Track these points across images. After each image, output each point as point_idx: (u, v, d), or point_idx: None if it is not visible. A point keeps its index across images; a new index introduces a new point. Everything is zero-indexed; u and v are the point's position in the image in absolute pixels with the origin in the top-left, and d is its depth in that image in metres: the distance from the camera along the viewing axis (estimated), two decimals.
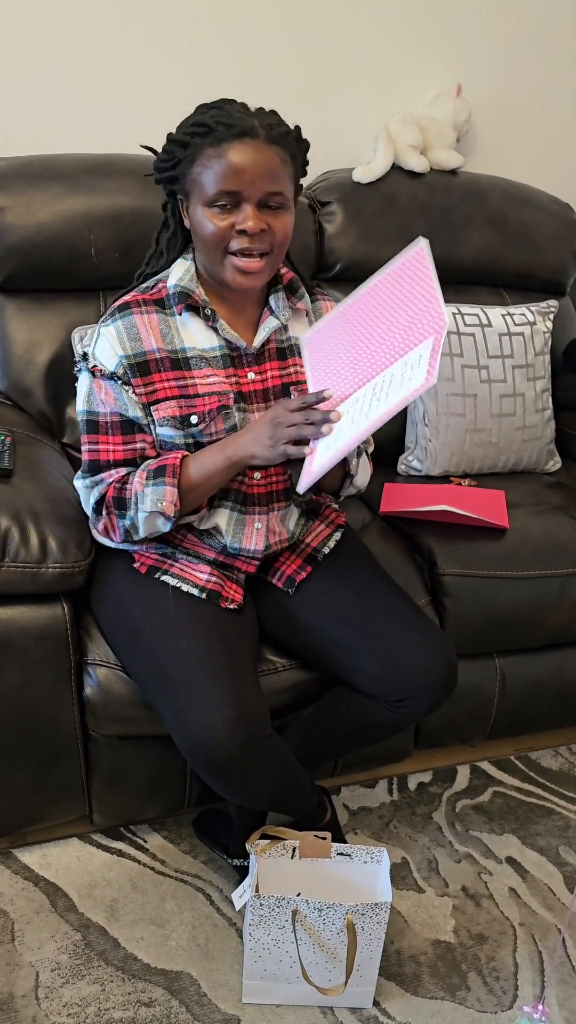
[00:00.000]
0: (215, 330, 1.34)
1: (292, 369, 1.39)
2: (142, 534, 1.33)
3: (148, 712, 1.43)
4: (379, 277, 1.21)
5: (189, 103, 1.98)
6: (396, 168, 2.05)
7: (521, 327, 2.00)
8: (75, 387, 1.74)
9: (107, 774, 1.53)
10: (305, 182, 2.05)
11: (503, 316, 1.99)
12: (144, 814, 1.63)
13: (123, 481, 1.32)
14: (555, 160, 2.38)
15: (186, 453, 1.32)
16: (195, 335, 1.34)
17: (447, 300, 2.02)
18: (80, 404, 1.36)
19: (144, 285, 1.38)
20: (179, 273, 1.35)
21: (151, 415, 1.33)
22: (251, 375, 1.36)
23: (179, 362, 1.32)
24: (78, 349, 1.72)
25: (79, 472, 1.37)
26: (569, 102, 2.34)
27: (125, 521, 1.32)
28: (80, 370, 1.35)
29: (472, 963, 1.46)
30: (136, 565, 1.41)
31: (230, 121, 1.22)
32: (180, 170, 1.27)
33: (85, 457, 1.35)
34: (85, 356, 1.35)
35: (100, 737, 1.49)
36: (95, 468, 1.34)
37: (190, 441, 1.34)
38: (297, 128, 1.29)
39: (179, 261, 1.37)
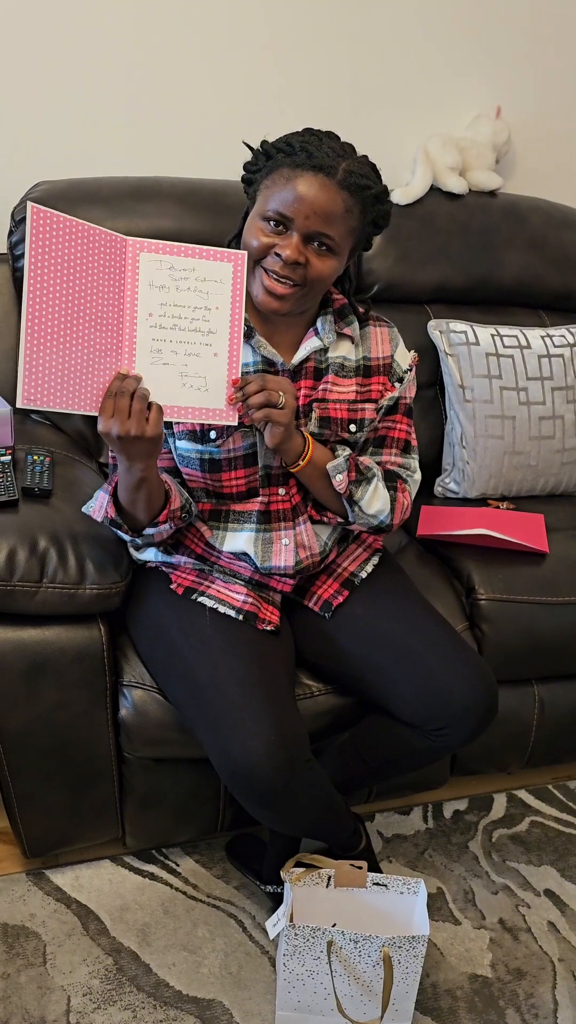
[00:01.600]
0: (251, 347, 1.34)
1: (321, 387, 1.38)
2: (125, 537, 1.33)
3: (183, 735, 1.43)
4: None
5: (227, 126, 2.01)
6: (435, 189, 2.05)
7: (561, 349, 1.98)
8: None
9: (141, 796, 1.52)
10: None
11: (542, 338, 1.97)
12: (177, 837, 1.62)
13: None
14: None
15: None
16: None
17: (486, 322, 2.01)
18: None
19: None
20: None
21: (171, 427, 1.34)
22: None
23: None
24: None
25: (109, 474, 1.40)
26: None
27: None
28: None
29: (510, 999, 1.43)
30: (173, 586, 1.41)
31: (315, 152, 1.23)
32: (258, 176, 1.30)
33: (111, 461, 1.38)
34: None
35: (134, 759, 1.49)
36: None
37: (206, 457, 1.34)
38: (383, 189, 1.29)
39: None
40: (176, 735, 1.43)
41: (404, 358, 1.46)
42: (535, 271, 2.09)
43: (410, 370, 1.46)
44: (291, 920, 1.28)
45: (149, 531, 1.31)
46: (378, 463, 1.44)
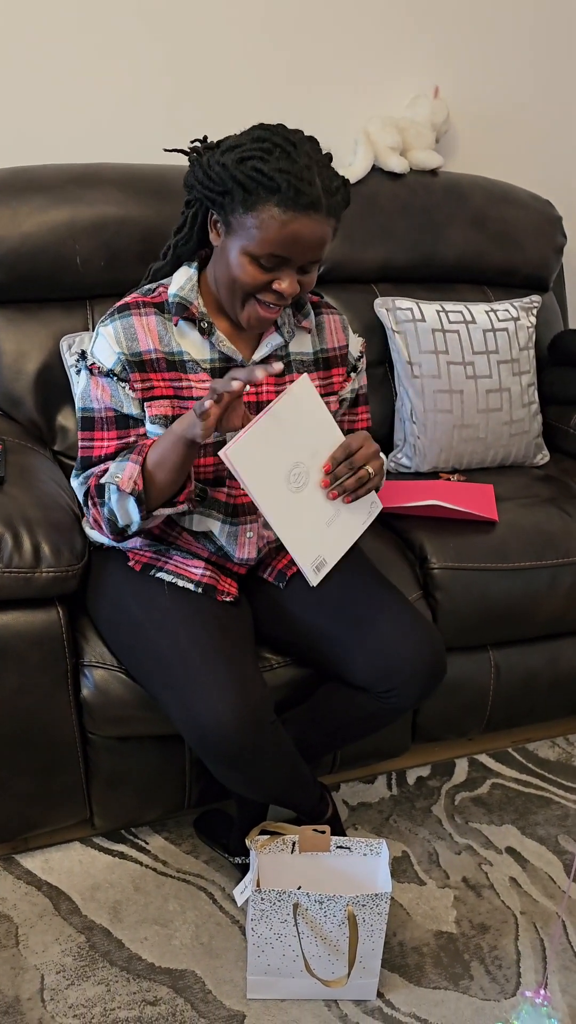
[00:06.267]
0: (211, 343, 1.35)
1: (288, 385, 1.36)
2: (121, 522, 1.30)
3: (146, 712, 1.45)
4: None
5: (171, 110, 2.02)
6: (376, 170, 2.08)
7: (505, 323, 2.02)
8: (65, 394, 1.78)
9: (107, 777, 1.54)
10: None
11: (487, 312, 2.01)
12: (145, 816, 1.64)
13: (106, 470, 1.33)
14: (534, 157, 2.41)
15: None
16: (192, 343, 1.34)
17: (431, 299, 2.05)
18: (78, 401, 1.37)
19: (146, 287, 1.38)
20: (180, 281, 1.35)
21: (145, 412, 1.34)
22: (246, 387, 1.35)
23: (175, 364, 1.34)
24: (67, 357, 1.73)
25: (73, 471, 1.38)
26: (545, 100, 2.37)
27: (104, 509, 1.30)
28: (79, 369, 1.36)
29: (475, 952, 1.47)
30: (131, 563, 1.42)
31: (299, 187, 1.18)
32: (228, 203, 1.23)
33: (79, 454, 1.37)
34: (83, 354, 1.36)
35: (99, 739, 1.50)
36: (87, 464, 1.36)
37: None
38: (342, 181, 1.27)
39: (183, 268, 1.37)
40: (139, 712, 1.45)
41: (356, 346, 1.48)
42: (477, 248, 2.13)
43: (361, 357, 1.48)
44: (257, 886, 1.31)
45: (163, 511, 1.30)
46: None
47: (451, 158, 2.30)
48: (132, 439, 1.34)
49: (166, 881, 1.56)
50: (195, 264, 1.36)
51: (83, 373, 1.36)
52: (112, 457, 1.34)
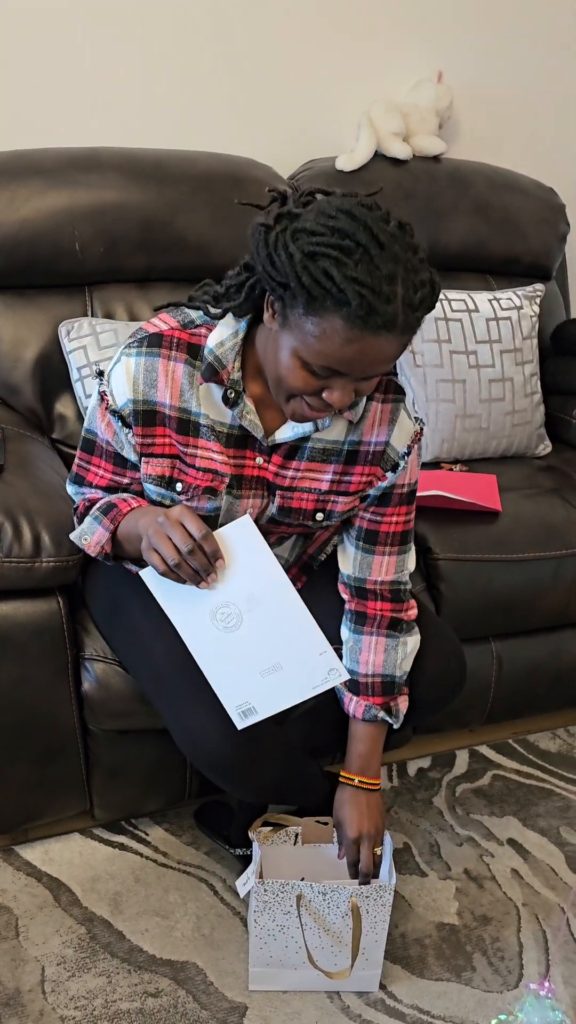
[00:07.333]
0: (234, 413, 1.21)
1: (291, 472, 1.25)
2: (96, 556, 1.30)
3: (147, 707, 1.43)
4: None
5: (171, 95, 1.99)
6: (379, 155, 2.06)
7: (508, 312, 2.00)
8: (64, 382, 1.76)
9: (107, 768, 1.53)
10: (288, 171, 2.06)
11: (490, 301, 2.00)
12: (145, 807, 1.63)
13: (95, 500, 1.29)
14: (538, 144, 2.38)
15: (140, 505, 1.24)
16: (214, 405, 1.20)
17: None
18: (86, 419, 1.30)
19: (190, 319, 1.20)
20: (222, 335, 1.17)
21: (140, 457, 1.25)
22: (259, 460, 1.24)
23: (187, 425, 1.21)
24: (65, 343, 1.71)
25: (68, 478, 1.35)
26: (550, 86, 2.34)
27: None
28: (99, 385, 1.29)
29: (477, 944, 1.47)
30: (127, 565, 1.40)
31: (373, 304, 0.99)
32: (289, 298, 1.04)
33: (74, 468, 1.32)
34: (101, 374, 1.26)
35: (99, 732, 1.49)
36: (79, 482, 1.32)
37: (167, 503, 1.26)
38: (435, 292, 1.05)
39: (230, 320, 1.18)
40: (140, 707, 1.44)
41: (402, 439, 1.26)
42: (480, 236, 2.11)
43: (408, 453, 1.27)
44: (260, 877, 1.30)
45: (134, 568, 1.28)
46: (368, 574, 1.34)
47: (454, 144, 2.27)
48: (126, 481, 1.28)
49: (167, 872, 1.55)
50: (246, 320, 1.18)
51: (96, 395, 1.25)
52: (103, 489, 1.30)
